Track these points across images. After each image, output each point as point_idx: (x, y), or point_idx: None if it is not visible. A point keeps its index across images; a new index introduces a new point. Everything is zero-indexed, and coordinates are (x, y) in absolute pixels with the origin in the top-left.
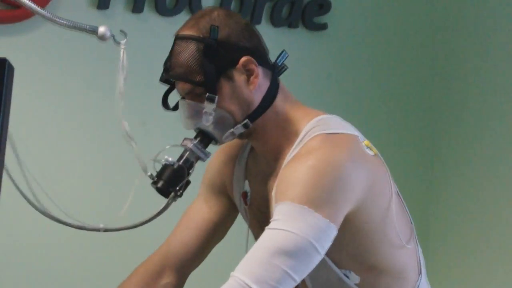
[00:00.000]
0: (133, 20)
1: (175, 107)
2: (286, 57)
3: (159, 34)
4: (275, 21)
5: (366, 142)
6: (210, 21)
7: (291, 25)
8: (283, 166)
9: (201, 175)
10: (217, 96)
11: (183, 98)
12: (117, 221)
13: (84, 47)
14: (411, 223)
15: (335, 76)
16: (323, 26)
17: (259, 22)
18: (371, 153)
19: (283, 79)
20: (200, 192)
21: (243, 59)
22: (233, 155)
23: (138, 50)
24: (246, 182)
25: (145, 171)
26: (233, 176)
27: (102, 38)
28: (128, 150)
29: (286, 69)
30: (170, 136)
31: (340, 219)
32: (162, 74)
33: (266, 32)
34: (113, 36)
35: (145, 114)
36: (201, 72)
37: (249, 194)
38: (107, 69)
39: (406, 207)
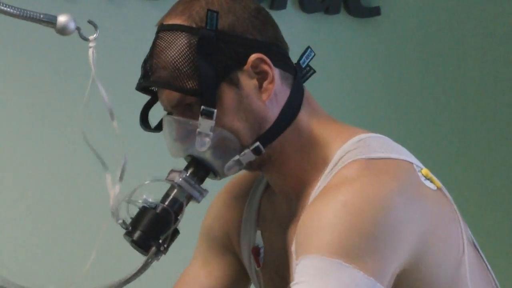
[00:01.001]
0: (115, 8)
1: (159, 126)
2: (313, 57)
3: (151, 22)
4: (306, 5)
5: (425, 171)
6: (206, 5)
7: (329, 10)
8: (307, 206)
9: (197, 220)
10: (216, 110)
11: (169, 113)
12: (77, 283)
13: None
14: (496, 285)
15: (391, 78)
16: (375, 11)
17: (283, 6)
18: (432, 186)
19: (314, 85)
20: (197, 249)
21: (253, 57)
22: (240, 195)
23: (126, 40)
24: (258, 233)
25: (116, 216)
26: (241, 226)
27: (63, 31)
28: (94, 183)
29: (312, 73)
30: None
31: (388, 277)
32: (139, 80)
33: (294, 20)
34: (78, 29)
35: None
36: (194, 75)
37: (262, 250)
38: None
39: (486, 263)
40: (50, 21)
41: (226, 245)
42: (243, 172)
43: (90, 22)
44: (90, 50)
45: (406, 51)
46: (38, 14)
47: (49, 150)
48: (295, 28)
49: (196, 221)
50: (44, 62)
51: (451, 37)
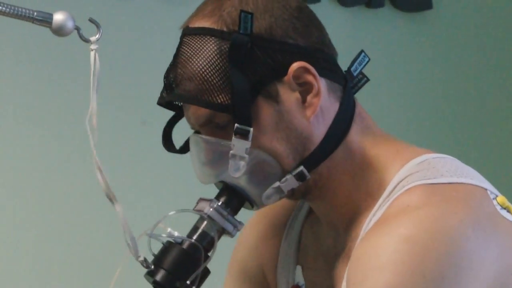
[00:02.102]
0: (120, 3)
1: (185, 148)
2: (367, 62)
3: (160, 19)
4: None
5: (501, 199)
6: (239, 5)
7: (372, 3)
8: (359, 239)
9: (228, 253)
10: (252, 129)
11: (196, 132)
12: None
13: (46, 42)
14: None
15: (445, 81)
16: (425, 4)
17: (317, 0)
18: (509, 217)
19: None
20: (225, 285)
21: (295, 66)
22: (277, 223)
23: (134, 40)
24: (299, 268)
25: (136, 254)
26: (278, 259)
27: (60, 31)
28: (107, 216)
29: (366, 81)
30: (175, 140)
31: None
32: (161, 93)
33: (330, 15)
34: (78, 29)
35: (145, 112)
36: (226, 88)
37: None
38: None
39: None
40: (45, 20)
41: (261, 281)
42: (281, 201)
43: (91, 20)
44: (92, 53)
45: (462, 50)
46: (31, 12)
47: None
48: (331, 25)
49: (228, 255)
50: (40, 67)
51: None
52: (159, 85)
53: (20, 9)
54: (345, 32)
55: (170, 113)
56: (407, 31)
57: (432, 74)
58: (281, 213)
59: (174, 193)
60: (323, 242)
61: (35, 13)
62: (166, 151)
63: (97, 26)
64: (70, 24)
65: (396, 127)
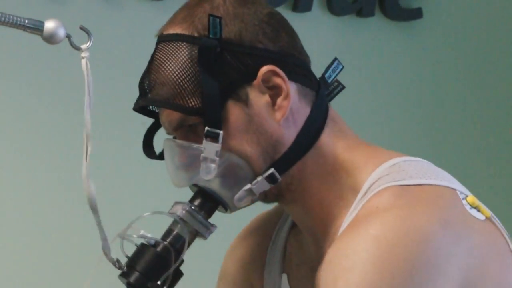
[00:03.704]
0: (111, 11)
1: (163, 154)
2: (341, 70)
3: (153, 24)
4: (335, 7)
5: (470, 198)
6: (211, 10)
7: (362, 12)
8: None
9: (206, 260)
10: (222, 132)
11: (171, 136)
12: None
13: (37, 50)
14: None
15: (434, 91)
16: (416, 13)
17: (308, 8)
18: (479, 216)
19: (343, 99)
20: None
21: (264, 69)
22: (264, 234)
23: (131, 44)
24: (285, 276)
25: (108, 254)
26: (265, 269)
27: (51, 39)
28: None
29: (341, 89)
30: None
31: None
32: (137, 99)
33: (320, 24)
34: (69, 37)
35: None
36: (197, 92)
37: None
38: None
39: None
40: (36, 28)
41: None
42: (271, 209)
43: (82, 28)
44: (83, 61)
45: (452, 60)
46: (22, 20)
47: (31, 179)
48: (322, 33)
49: (204, 260)
50: (30, 75)
51: (504, 43)
52: None
53: (11, 17)
54: (335, 41)
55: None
56: (397, 40)
57: (421, 83)
58: (268, 224)
59: (149, 197)
60: (306, 250)
61: (27, 21)
62: (145, 159)
63: (88, 34)
64: (61, 32)
65: (385, 135)
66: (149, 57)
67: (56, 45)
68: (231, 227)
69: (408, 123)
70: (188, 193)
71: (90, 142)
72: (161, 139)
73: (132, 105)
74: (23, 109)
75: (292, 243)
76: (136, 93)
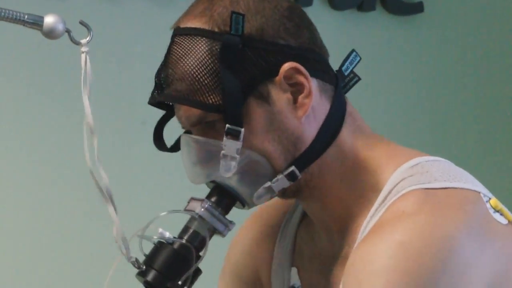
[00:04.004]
0: (111, 6)
1: (175, 147)
2: (358, 61)
3: (154, 20)
4: (336, 1)
5: (493, 201)
6: (231, 5)
7: (363, 6)
8: (355, 243)
9: (221, 254)
10: (243, 129)
11: (187, 132)
12: None
13: (36, 45)
14: None
15: (435, 85)
16: (417, 7)
17: (309, 2)
18: (502, 220)
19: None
20: (219, 284)
21: (286, 66)
22: (272, 225)
23: (133, 40)
24: (294, 270)
25: (127, 254)
26: (273, 261)
27: (51, 34)
28: (99, 216)
29: (357, 81)
30: (174, 139)
31: None
32: (152, 92)
33: (322, 18)
34: (68, 32)
35: (145, 112)
36: (217, 89)
37: None
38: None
39: None
40: (36, 23)
41: (255, 284)
42: (276, 201)
43: (82, 23)
44: (83, 56)
45: (453, 53)
46: (21, 14)
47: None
48: (323, 28)
49: (221, 256)
50: (30, 69)
51: (504, 36)
52: None
53: (11, 12)
54: (336, 35)
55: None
56: (398, 34)
57: (423, 77)
58: (275, 216)
59: (165, 194)
60: (319, 244)
61: (26, 16)
62: (158, 154)
63: (88, 28)
64: (60, 27)
65: (388, 129)
66: (149, 51)
67: (56, 40)
68: (236, 216)
69: (409, 117)
70: (199, 190)
71: (95, 137)
72: (169, 132)
73: (133, 100)
74: (23, 105)
75: (303, 236)
76: (137, 88)
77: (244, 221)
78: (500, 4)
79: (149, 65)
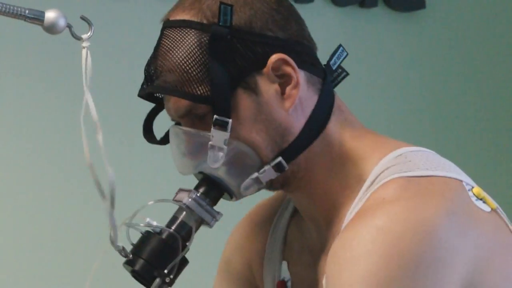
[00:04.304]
0: (112, 1)
1: (165, 139)
2: (345, 57)
3: (154, 16)
4: None
5: (476, 190)
6: None
7: (365, 2)
8: (338, 233)
9: (210, 247)
10: (231, 120)
11: (176, 123)
12: None
13: (37, 40)
14: None
15: (437, 82)
16: (419, 4)
17: None
18: (485, 207)
19: (346, 89)
20: (215, 282)
21: (274, 58)
22: (264, 222)
23: (133, 37)
24: (285, 264)
25: (114, 242)
26: (264, 256)
27: (52, 29)
28: (88, 203)
29: (345, 75)
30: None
31: None
32: (142, 85)
33: (323, 15)
34: (69, 27)
35: (146, 112)
36: (205, 80)
37: (289, 283)
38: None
39: None
40: (37, 18)
41: (248, 278)
42: (268, 195)
43: (83, 18)
44: (84, 51)
45: (455, 50)
46: (22, 9)
47: (36, 167)
48: (324, 24)
49: (209, 248)
50: (31, 65)
51: (507, 33)
52: None
53: (11, 7)
54: (338, 32)
55: (166, 117)
56: (400, 31)
57: (424, 74)
58: (269, 213)
59: (153, 184)
60: (308, 237)
61: (27, 11)
62: (147, 146)
63: (89, 23)
64: (62, 22)
65: (389, 126)
66: (151, 46)
67: (57, 36)
68: (232, 213)
69: (411, 115)
70: (188, 180)
71: (100, 131)
72: (159, 125)
73: (134, 94)
74: (25, 102)
75: (293, 230)
76: (137, 83)
77: (235, 214)
78: (503, 0)
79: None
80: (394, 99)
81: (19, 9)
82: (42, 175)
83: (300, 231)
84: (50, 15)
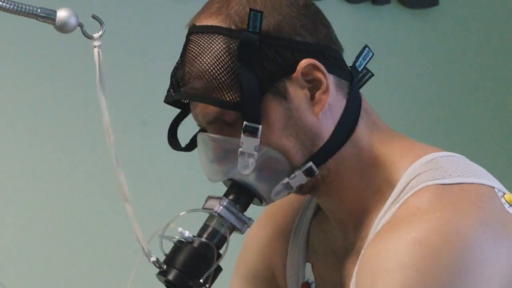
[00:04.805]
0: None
1: (191, 145)
2: (371, 57)
3: (162, 16)
4: None
5: (508, 196)
6: (247, 3)
7: None
8: (368, 238)
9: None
10: (261, 126)
11: (203, 130)
12: None
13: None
14: None
15: (450, 79)
16: (432, 1)
17: None
18: None
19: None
20: (232, 285)
21: (303, 63)
22: (285, 222)
23: (134, 38)
24: (309, 265)
25: (148, 255)
26: (287, 258)
27: (64, 28)
28: (121, 220)
29: (370, 76)
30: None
31: None
32: (168, 90)
33: (336, 12)
34: (81, 26)
35: (146, 112)
36: (234, 86)
37: (313, 285)
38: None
39: None
40: (49, 16)
41: (269, 281)
42: (290, 198)
43: (94, 17)
44: (95, 50)
45: (468, 47)
46: (34, 8)
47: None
48: (337, 22)
49: (234, 254)
50: (42, 64)
51: None
52: (159, 84)
53: (23, 6)
54: (351, 29)
55: (170, 113)
56: (413, 28)
57: (437, 71)
58: (289, 214)
59: (182, 194)
60: (332, 239)
61: (39, 10)
62: (166, 151)
63: (100, 22)
64: (73, 21)
65: (402, 124)
66: (162, 44)
67: (68, 34)
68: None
69: (424, 112)
70: (216, 188)
71: (112, 136)
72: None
73: (148, 94)
74: (33, 100)
75: (316, 232)
76: (150, 82)
77: (257, 218)
78: None
79: (152, 64)
80: (407, 97)
81: (31, 8)
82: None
83: (323, 233)
84: (62, 14)
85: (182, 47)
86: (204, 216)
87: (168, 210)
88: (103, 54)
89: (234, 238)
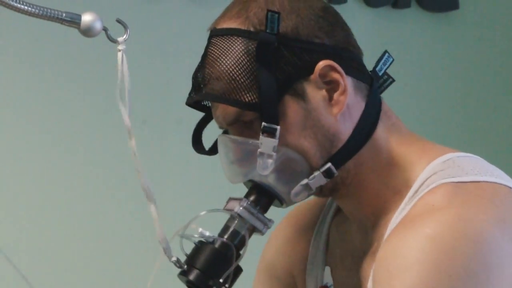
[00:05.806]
0: (149, 4)
1: (213, 149)
2: (391, 62)
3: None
4: None
5: None
6: (266, 5)
7: (398, 3)
8: (384, 237)
9: (257, 252)
10: (279, 127)
11: (224, 132)
12: None
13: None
14: None
15: (471, 83)
16: (452, 4)
17: (344, 0)
18: None
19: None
20: (255, 282)
21: (321, 64)
22: (306, 227)
23: (135, 40)
24: (328, 269)
25: (169, 254)
26: (308, 260)
27: (88, 32)
28: (140, 220)
29: (391, 82)
30: (176, 137)
31: None
32: (190, 93)
33: (356, 16)
34: (105, 30)
35: (146, 111)
36: (253, 87)
37: None
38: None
39: None
40: (74, 21)
41: (289, 283)
42: (310, 201)
43: (118, 21)
44: (119, 54)
45: (489, 51)
46: (59, 13)
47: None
48: (357, 25)
49: (256, 254)
50: (66, 67)
51: None
52: (160, 84)
53: (49, 10)
54: (371, 33)
55: (169, 113)
56: (433, 32)
57: (458, 75)
58: (310, 216)
59: (203, 194)
60: (350, 241)
61: (64, 14)
62: (167, 151)
63: (125, 26)
64: (98, 25)
65: (422, 129)
66: (185, 48)
67: (92, 39)
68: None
69: (444, 117)
70: (238, 189)
71: (133, 138)
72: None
73: (171, 96)
74: (62, 105)
75: (334, 235)
76: (175, 85)
77: (280, 220)
78: None
79: (154, 65)
80: (427, 100)
81: (56, 12)
82: (95, 188)
83: (341, 236)
84: (87, 18)
85: (185, 48)
86: (224, 216)
87: (185, 211)
88: (103, 54)
89: (255, 240)
